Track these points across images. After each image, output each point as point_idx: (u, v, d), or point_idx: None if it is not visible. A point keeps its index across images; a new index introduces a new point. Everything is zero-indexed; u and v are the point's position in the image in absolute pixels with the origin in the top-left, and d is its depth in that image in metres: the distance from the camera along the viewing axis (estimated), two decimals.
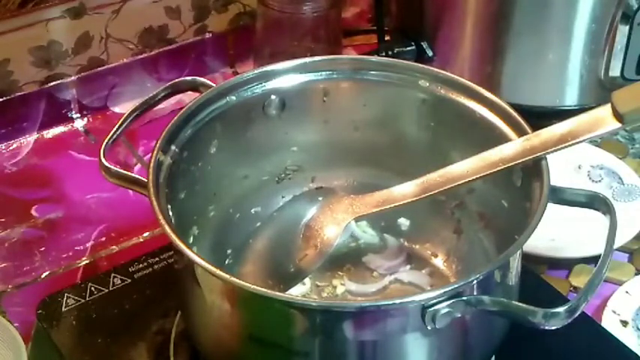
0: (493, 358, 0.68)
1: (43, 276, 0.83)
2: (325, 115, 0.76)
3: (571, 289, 0.81)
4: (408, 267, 0.77)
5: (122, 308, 0.74)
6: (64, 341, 0.71)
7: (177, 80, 0.71)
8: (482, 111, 0.70)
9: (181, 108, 0.69)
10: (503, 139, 0.68)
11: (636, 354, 0.72)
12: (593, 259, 0.82)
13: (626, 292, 0.79)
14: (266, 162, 0.77)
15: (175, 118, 0.68)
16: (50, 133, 1.00)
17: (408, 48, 0.99)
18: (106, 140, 0.67)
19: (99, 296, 0.75)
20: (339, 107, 0.76)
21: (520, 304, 0.57)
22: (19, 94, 0.98)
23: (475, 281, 0.57)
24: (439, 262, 0.77)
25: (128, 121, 0.69)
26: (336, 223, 0.71)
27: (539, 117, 0.96)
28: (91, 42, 1.01)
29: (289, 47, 0.98)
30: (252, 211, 0.77)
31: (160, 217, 0.59)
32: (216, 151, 0.72)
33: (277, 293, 0.59)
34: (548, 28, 0.92)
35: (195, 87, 0.72)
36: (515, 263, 0.63)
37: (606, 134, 0.64)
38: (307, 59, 0.74)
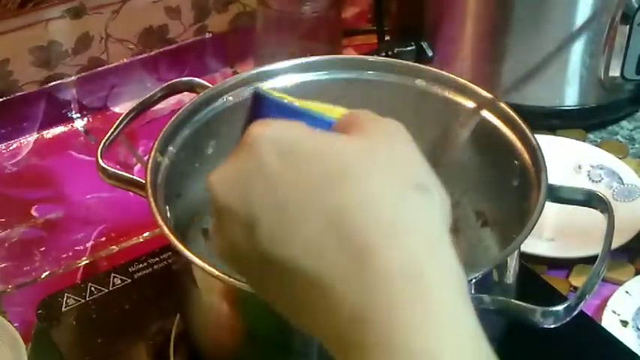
0: None
1: (43, 276, 0.83)
2: None
3: (571, 289, 0.81)
4: None
5: (122, 308, 0.74)
6: (64, 341, 0.71)
7: (173, 81, 0.71)
8: (482, 111, 0.70)
9: (180, 108, 0.69)
10: (502, 139, 0.68)
11: (636, 354, 0.72)
12: (593, 259, 0.81)
13: (626, 292, 0.79)
14: None
15: (172, 119, 0.67)
16: (50, 133, 1.00)
17: (408, 48, 0.99)
18: (103, 141, 0.67)
19: (99, 296, 0.75)
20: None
21: (519, 302, 0.57)
22: (19, 94, 0.98)
23: (474, 280, 0.57)
24: None
25: (125, 122, 0.69)
26: None
27: (539, 117, 0.96)
28: (91, 42, 1.01)
29: (289, 47, 0.98)
30: None
31: (159, 218, 0.59)
32: (213, 152, 0.71)
33: None
34: (548, 29, 0.92)
35: (191, 88, 0.72)
36: (514, 262, 0.63)
37: None
38: (307, 59, 0.74)
